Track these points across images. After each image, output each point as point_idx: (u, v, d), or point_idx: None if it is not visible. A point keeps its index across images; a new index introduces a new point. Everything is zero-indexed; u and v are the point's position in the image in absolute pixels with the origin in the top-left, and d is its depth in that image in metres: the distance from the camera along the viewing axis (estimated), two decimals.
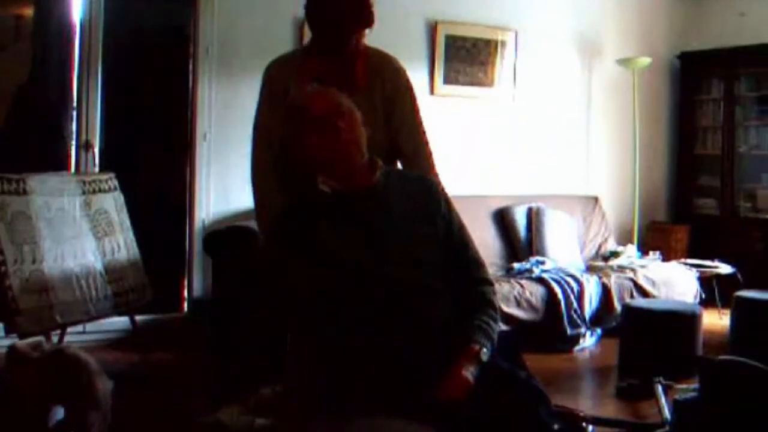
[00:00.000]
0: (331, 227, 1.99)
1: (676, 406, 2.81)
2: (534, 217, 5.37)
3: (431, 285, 1.98)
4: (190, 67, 4.71)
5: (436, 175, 2.54)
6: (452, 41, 5.43)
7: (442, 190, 2.15)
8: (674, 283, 5.17)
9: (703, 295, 5.27)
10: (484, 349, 1.91)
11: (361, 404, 1.84)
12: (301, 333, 2.08)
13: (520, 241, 5.31)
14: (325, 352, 1.96)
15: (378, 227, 1.99)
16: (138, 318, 4.02)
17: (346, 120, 1.99)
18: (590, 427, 3.03)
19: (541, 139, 5.87)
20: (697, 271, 5.37)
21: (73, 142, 4.58)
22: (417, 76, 5.35)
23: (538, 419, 1.83)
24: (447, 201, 2.11)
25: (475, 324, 1.97)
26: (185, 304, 4.87)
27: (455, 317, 1.99)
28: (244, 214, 4.55)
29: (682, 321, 4.07)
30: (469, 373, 1.86)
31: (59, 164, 4.50)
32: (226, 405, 2.92)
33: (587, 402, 3.68)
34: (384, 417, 1.76)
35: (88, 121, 4.52)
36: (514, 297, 4.49)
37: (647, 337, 4.03)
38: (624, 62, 5.93)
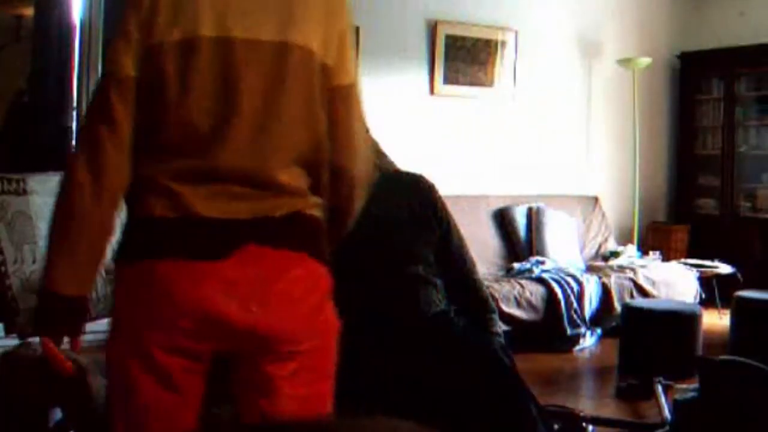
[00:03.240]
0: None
1: (676, 406, 2.81)
2: (534, 217, 5.37)
3: (428, 279, 2.02)
4: None
5: None
6: (452, 41, 5.43)
7: (435, 189, 2.19)
8: (674, 283, 5.17)
9: (703, 295, 5.27)
10: None
11: (362, 399, 1.85)
12: None
13: (520, 241, 5.31)
14: None
15: (375, 225, 2.02)
16: None
17: None
18: (590, 427, 3.03)
19: (541, 138, 5.86)
20: (697, 271, 5.37)
21: (73, 142, 4.58)
22: (417, 76, 5.37)
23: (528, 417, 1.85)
24: (441, 202, 2.16)
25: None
26: None
27: (452, 312, 2.04)
28: None
29: (682, 321, 4.07)
30: None
31: (59, 164, 4.50)
32: (223, 401, 2.92)
33: (587, 402, 3.68)
34: (384, 415, 1.77)
35: None
36: (514, 297, 4.49)
37: (647, 337, 4.03)
38: (624, 62, 5.93)
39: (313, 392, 1.44)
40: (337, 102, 1.43)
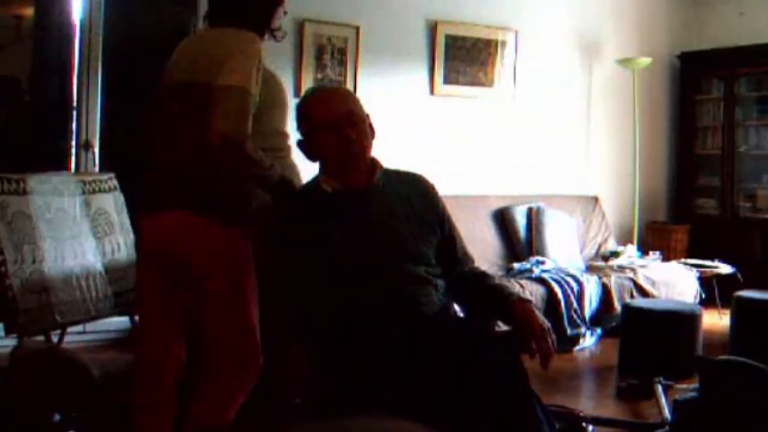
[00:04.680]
0: (331, 224, 2.02)
1: (676, 406, 2.81)
2: (534, 217, 5.37)
3: (428, 279, 2.02)
4: None
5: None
6: (452, 41, 5.43)
7: (437, 190, 2.20)
8: (674, 283, 5.17)
9: (703, 295, 5.27)
10: (523, 294, 2.04)
11: (363, 399, 1.85)
12: (301, 330, 2.09)
13: (520, 241, 5.31)
14: (327, 347, 1.98)
15: (376, 224, 2.03)
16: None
17: (357, 129, 2.05)
18: (590, 427, 3.03)
19: (541, 139, 5.86)
20: (697, 271, 5.37)
21: (73, 142, 4.57)
22: (417, 76, 5.37)
23: (535, 417, 1.84)
24: (441, 201, 2.17)
25: (494, 285, 2.15)
26: None
27: (453, 310, 2.04)
28: None
29: (682, 321, 4.07)
30: (541, 319, 2.09)
31: (59, 164, 4.50)
32: None
33: (587, 402, 3.68)
34: (385, 416, 1.77)
35: (88, 121, 4.51)
36: None
37: (647, 337, 4.03)
38: (624, 62, 5.93)
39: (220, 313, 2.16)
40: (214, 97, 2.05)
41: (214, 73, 2.04)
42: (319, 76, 4.94)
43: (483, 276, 2.20)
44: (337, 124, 2.03)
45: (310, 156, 2.11)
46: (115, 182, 4.02)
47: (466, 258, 2.21)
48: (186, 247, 2.11)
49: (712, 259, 5.57)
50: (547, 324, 1.99)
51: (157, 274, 2.23)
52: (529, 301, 2.05)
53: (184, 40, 2.40)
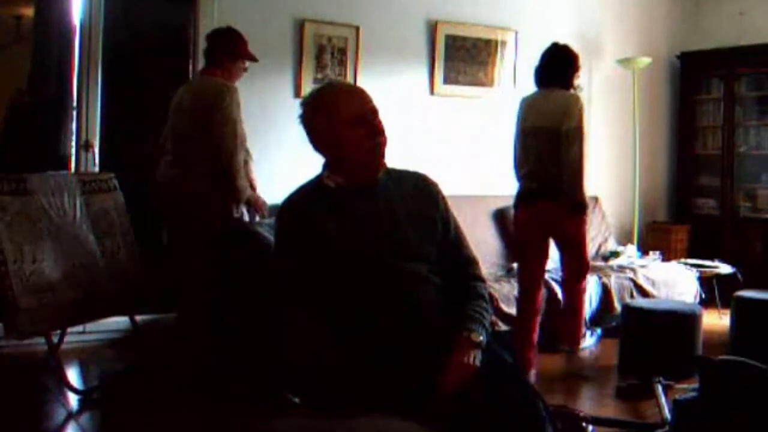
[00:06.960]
0: (333, 221, 2.00)
1: (676, 406, 2.81)
2: None
3: (428, 279, 2.01)
4: (190, 67, 4.71)
5: None
6: (452, 41, 5.43)
7: (440, 190, 2.18)
8: (674, 283, 5.17)
9: (703, 295, 5.27)
10: (478, 335, 1.95)
11: (362, 398, 1.84)
12: (298, 324, 2.08)
13: None
14: (323, 342, 1.97)
15: (378, 222, 2.02)
16: (138, 318, 4.02)
17: (380, 122, 2.04)
18: (590, 427, 3.03)
19: None
20: (697, 271, 5.37)
21: (73, 142, 4.57)
22: (417, 76, 5.37)
23: (537, 414, 1.83)
24: (444, 201, 2.16)
25: (467, 314, 2.02)
26: None
27: (449, 311, 2.02)
28: None
29: (682, 321, 4.07)
30: (471, 358, 1.90)
31: (59, 164, 4.50)
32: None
33: (587, 402, 3.68)
34: (385, 415, 1.77)
35: (88, 121, 4.51)
36: (515, 297, 4.48)
37: (647, 337, 4.03)
38: (624, 62, 5.93)
39: None
40: None
41: (560, 121, 3.86)
42: (319, 76, 4.94)
43: (470, 294, 2.09)
44: (367, 117, 2.01)
45: (327, 150, 2.07)
46: (115, 182, 4.02)
47: (469, 261, 2.16)
48: (559, 219, 3.91)
49: (712, 259, 5.57)
50: (473, 367, 1.89)
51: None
52: (477, 345, 1.94)
53: (530, 98, 4.10)
